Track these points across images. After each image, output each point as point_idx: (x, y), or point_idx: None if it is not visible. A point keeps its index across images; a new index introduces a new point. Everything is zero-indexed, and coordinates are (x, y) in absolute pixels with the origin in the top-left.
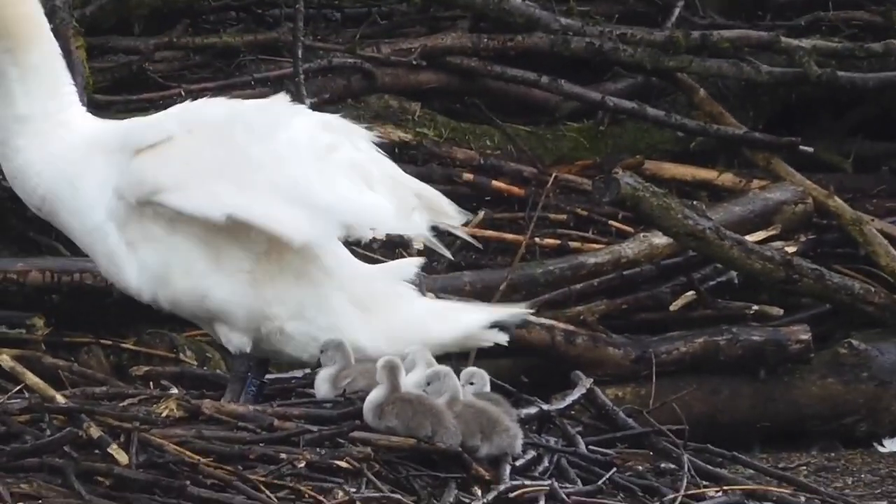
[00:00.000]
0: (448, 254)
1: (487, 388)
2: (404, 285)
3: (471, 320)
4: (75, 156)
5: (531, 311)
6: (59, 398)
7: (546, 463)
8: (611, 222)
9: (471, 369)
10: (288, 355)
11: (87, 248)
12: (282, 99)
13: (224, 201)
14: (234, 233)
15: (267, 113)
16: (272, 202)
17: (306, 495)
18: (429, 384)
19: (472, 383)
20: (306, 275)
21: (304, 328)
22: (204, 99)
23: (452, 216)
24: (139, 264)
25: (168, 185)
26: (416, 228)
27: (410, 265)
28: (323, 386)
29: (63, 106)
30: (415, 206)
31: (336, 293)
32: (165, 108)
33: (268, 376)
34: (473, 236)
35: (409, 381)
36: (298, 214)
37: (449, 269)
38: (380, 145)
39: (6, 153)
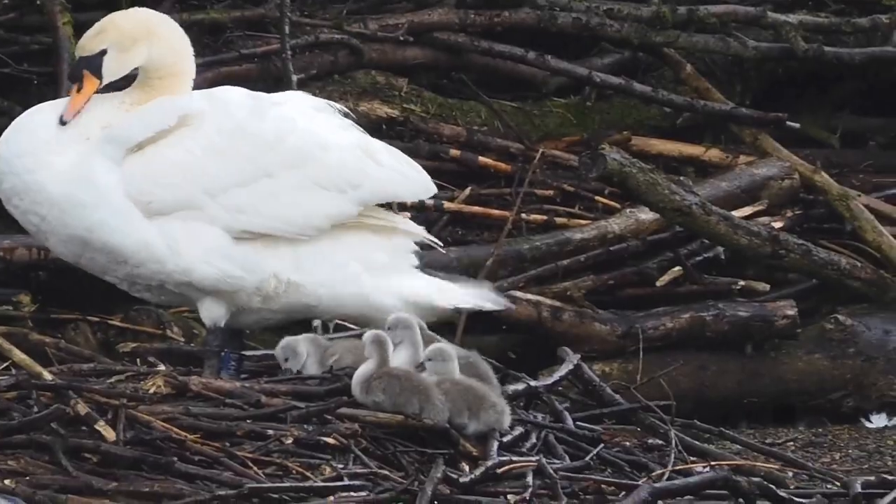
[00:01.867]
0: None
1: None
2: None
3: (458, 301)
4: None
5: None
6: (46, 375)
7: (533, 439)
8: (597, 198)
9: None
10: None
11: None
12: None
13: None
14: None
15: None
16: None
17: (294, 471)
18: (430, 360)
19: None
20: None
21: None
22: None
23: None
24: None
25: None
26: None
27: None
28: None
29: None
30: None
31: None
32: None
33: (256, 352)
34: (460, 212)
35: (400, 358)
36: None
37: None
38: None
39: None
